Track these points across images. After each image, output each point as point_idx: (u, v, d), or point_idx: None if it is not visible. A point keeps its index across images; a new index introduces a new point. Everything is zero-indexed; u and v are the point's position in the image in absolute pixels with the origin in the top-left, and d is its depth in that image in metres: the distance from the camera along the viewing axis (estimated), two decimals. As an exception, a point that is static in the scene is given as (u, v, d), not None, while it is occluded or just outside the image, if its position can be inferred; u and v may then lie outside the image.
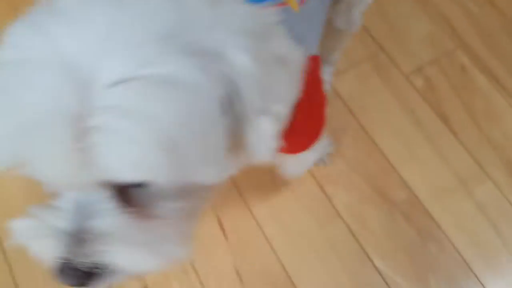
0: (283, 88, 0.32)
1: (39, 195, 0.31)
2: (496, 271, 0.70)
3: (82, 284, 0.31)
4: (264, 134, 0.31)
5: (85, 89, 0.25)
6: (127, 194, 0.30)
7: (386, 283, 0.70)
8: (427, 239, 0.72)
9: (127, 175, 0.26)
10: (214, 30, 0.28)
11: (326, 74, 0.80)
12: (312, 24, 0.46)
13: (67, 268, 0.30)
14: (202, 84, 0.27)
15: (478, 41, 0.87)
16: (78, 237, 0.29)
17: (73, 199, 0.30)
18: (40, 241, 0.30)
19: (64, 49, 0.26)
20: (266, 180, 0.75)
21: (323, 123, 0.48)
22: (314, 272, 0.70)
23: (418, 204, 0.75)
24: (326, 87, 0.81)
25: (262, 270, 0.70)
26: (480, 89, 0.83)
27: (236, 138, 0.30)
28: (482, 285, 0.69)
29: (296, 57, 0.33)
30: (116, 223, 0.29)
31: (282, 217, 0.74)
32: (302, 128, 0.42)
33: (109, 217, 0.29)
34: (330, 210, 0.74)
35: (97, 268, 0.30)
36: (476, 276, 0.70)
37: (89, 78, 0.25)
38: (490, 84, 0.83)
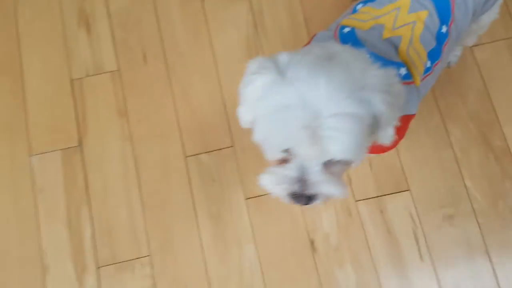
0: (394, 117, 0.61)
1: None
2: (549, 212, 0.99)
3: (307, 203, 0.62)
4: (388, 134, 0.62)
5: (318, 117, 0.53)
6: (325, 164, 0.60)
7: (469, 196, 1.01)
8: (506, 177, 1.02)
9: (338, 156, 0.56)
10: (366, 88, 0.56)
11: (458, 51, 1.06)
12: (419, 94, 0.73)
13: (298, 196, 0.61)
14: (365, 116, 0.55)
15: None
16: (301, 181, 0.60)
17: (298, 164, 0.60)
18: (280, 185, 0.62)
19: (305, 97, 0.54)
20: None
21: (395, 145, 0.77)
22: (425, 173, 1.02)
23: (509, 153, 1.03)
24: (454, 60, 1.07)
25: (387, 161, 1.03)
26: None
27: (372, 138, 0.61)
28: (536, 218, 0.99)
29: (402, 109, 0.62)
30: (320, 176, 0.60)
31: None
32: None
33: (317, 173, 0.60)
34: (444, 135, 1.04)
35: (313, 194, 0.61)
36: (534, 210, 0.99)
37: (319, 111, 0.53)
38: None
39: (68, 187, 1.07)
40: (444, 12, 0.74)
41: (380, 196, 1.02)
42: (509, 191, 1.01)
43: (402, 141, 1.01)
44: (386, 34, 0.72)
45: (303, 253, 1.00)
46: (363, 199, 1.02)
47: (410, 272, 0.98)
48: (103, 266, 1.02)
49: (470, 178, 1.02)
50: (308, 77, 0.55)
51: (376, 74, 0.57)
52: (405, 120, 0.74)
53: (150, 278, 1.01)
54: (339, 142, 0.55)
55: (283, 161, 0.62)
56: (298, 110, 0.54)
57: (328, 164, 0.60)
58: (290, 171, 0.61)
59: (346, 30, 0.73)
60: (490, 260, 0.97)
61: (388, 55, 0.69)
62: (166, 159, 1.07)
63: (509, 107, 1.06)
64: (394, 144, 0.79)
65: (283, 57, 0.59)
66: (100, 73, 1.14)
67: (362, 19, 0.74)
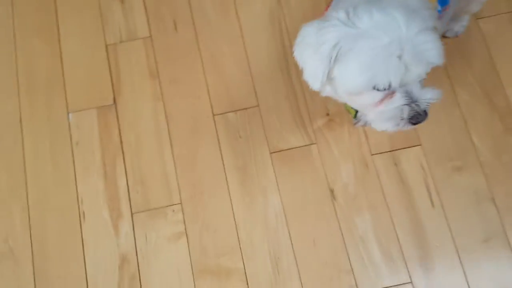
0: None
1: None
2: (548, 165, 1.09)
3: (425, 118, 0.71)
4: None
5: (407, 42, 0.63)
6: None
7: (476, 150, 1.10)
8: (509, 134, 1.11)
9: (438, 61, 0.65)
10: (420, 8, 0.67)
11: (464, 21, 1.16)
12: None
13: (418, 115, 0.70)
14: (434, 26, 0.66)
15: None
16: (413, 103, 0.69)
17: (402, 92, 0.69)
18: (396, 117, 0.71)
19: (388, 33, 0.63)
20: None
21: None
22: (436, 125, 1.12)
23: (511, 112, 1.13)
24: (461, 30, 1.17)
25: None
26: None
27: None
28: (537, 170, 1.08)
29: None
30: (423, 91, 0.69)
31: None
32: None
33: (421, 91, 0.69)
34: (452, 97, 1.14)
35: (427, 108, 0.70)
36: None
37: (406, 37, 0.63)
38: None
39: (103, 141, 1.15)
40: None
41: (394, 150, 1.11)
42: (511, 146, 1.11)
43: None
44: None
45: (324, 201, 1.08)
46: (379, 153, 1.11)
47: (423, 217, 1.07)
48: (137, 212, 1.10)
49: (477, 134, 1.12)
50: (380, 16, 0.65)
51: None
52: None
53: (181, 223, 1.09)
54: (436, 49, 0.65)
55: (382, 101, 0.71)
56: (389, 45, 0.63)
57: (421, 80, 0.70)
58: (399, 100, 0.70)
59: None
60: (496, 207, 1.06)
61: None
62: (196, 117, 1.16)
63: (511, 72, 1.16)
64: None
65: (340, 14, 0.68)
66: (133, 39, 1.23)
67: None
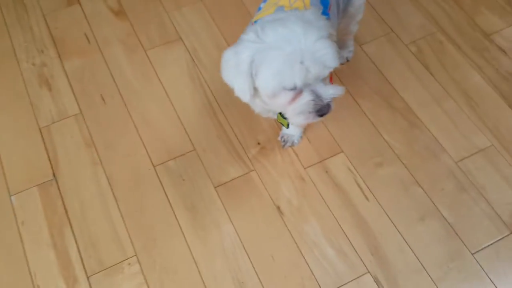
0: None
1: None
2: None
3: (329, 110, 0.86)
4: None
5: (307, 50, 0.80)
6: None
7: (390, 146, 1.26)
8: (413, 127, 1.30)
9: (333, 64, 0.83)
10: (314, 21, 0.85)
11: (351, 47, 1.40)
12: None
13: (323, 107, 0.85)
14: (328, 34, 0.85)
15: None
16: (319, 98, 0.84)
17: (309, 90, 0.84)
18: (306, 111, 0.85)
19: (290, 43, 0.79)
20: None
21: None
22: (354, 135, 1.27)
23: (410, 110, 1.33)
24: (350, 55, 1.41)
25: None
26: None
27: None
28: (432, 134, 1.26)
29: None
30: (326, 88, 0.85)
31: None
32: None
33: (324, 88, 0.85)
34: (357, 108, 1.32)
35: (330, 101, 0.86)
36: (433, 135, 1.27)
37: (306, 46, 0.80)
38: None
39: (48, 214, 1.17)
40: None
41: (322, 160, 1.24)
42: (418, 136, 1.28)
43: (330, 117, 1.28)
44: (286, 8, 1.02)
45: (273, 219, 1.16)
46: (310, 166, 1.24)
47: (362, 211, 1.17)
48: (93, 274, 1.09)
49: (386, 133, 1.29)
50: (283, 31, 0.81)
51: (312, 12, 0.87)
52: None
53: (140, 274, 1.10)
54: (330, 54, 0.81)
55: (293, 99, 0.85)
56: (292, 54, 0.79)
57: (322, 79, 0.85)
58: (306, 97, 0.84)
59: (256, 19, 1.02)
60: (422, 188, 1.20)
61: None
62: (137, 172, 1.23)
63: (400, 79, 1.38)
64: None
65: (250, 35, 0.84)
66: (65, 118, 1.32)
67: (267, 9, 1.04)
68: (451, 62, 1.42)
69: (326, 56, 0.82)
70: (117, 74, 1.40)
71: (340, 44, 1.34)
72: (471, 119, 1.31)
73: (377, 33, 1.48)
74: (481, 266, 1.10)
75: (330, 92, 0.86)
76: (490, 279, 1.08)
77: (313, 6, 0.99)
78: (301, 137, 1.27)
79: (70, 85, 1.38)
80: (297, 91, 0.85)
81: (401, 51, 1.44)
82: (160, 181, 1.22)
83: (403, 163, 1.24)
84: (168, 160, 1.25)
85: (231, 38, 1.47)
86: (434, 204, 1.18)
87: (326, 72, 0.84)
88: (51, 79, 1.40)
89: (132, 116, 1.32)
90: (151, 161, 1.25)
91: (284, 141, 1.26)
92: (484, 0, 1.54)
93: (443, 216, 1.16)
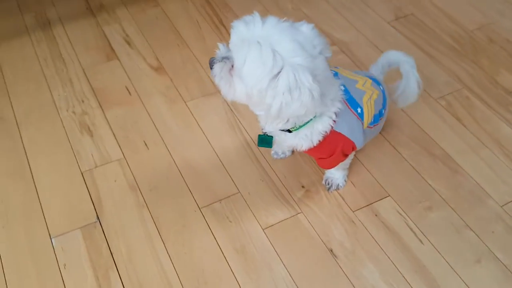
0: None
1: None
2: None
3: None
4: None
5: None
6: None
7: (435, 190, 1.30)
8: (456, 173, 1.34)
9: None
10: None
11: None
12: (365, 135, 1.15)
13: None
14: None
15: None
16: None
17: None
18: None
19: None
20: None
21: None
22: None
23: (449, 157, 1.38)
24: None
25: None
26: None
27: None
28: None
29: None
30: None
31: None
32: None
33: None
34: (397, 155, 1.38)
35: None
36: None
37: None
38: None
39: (93, 257, 1.14)
40: (384, 100, 1.20)
41: (370, 204, 1.26)
42: (462, 182, 1.33)
43: (371, 163, 1.32)
44: (359, 86, 1.13)
45: (327, 261, 1.15)
46: (358, 209, 1.25)
47: (418, 255, 1.17)
48: (142, 320, 1.04)
49: (430, 178, 1.33)
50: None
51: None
52: (348, 143, 1.10)
53: (192, 319, 1.05)
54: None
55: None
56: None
57: None
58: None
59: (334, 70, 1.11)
60: (473, 231, 1.22)
61: (356, 96, 1.10)
62: (183, 214, 1.23)
63: (435, 129, 1.46)
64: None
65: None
66: (108, 162, 1.33)
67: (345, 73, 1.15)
68: (480, 115, 1.51)
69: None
70: (158, 121, 1.45)
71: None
72: (509, 166, 1.36)
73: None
74: (546, 309, 1.08)
75: None
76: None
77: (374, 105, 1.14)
78: (346, 180, 1.30)
79: (112, 132, 1.42)
80: None
81: (432, 105, 1.53)
82: (207, 223, 1.21)
83: (451, 207, 1.26)
84: (214, 203, 1.25)
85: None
86: (487, 246, 1.19)
87: None
88: (92, 126, 1.43)
89: (175, 161, 1.35)
90: (197, 203, 1.25)
91: (328, 184, 1.28)
92: (502, 62, 1.68)
93: (498, 258, 1.16)
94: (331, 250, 1.17)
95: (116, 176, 1.30)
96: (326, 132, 1.05)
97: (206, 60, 1.65)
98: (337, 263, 1.15)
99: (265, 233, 1.20)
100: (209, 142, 1.40)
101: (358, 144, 1.14)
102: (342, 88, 1.07)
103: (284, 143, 1.14)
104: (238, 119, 1.47)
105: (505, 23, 1.82)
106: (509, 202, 1.28)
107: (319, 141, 1.06)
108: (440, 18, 1.84)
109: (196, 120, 1.46)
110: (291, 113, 0.91)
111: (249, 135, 1.42)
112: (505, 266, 1.15)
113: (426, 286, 1.11)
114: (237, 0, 1.92)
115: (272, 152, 1.36)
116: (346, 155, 1.16)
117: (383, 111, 1.20)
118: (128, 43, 1.72)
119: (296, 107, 0.88)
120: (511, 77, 1.63)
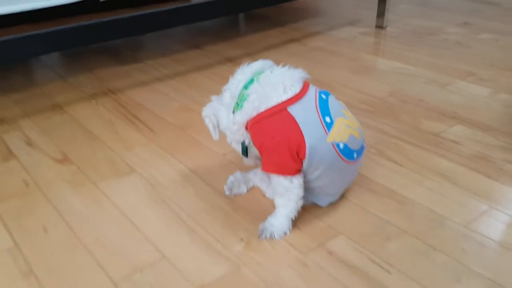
0: None
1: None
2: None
3: None
4: None
5: None
6: None
7: (390, 222, 1.18)
8: (405, 205, 1.25)
9: None
10: None
11: None
12: None
13: None
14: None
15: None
16: None
17: None
18: None
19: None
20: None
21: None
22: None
23: (393, 191, 1.30)
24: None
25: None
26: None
27: None
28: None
29: None
30: None
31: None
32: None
33: None
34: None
35: None
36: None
37: None
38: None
39: None
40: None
41: (322, 244, 1.11)
42: (414, 212, 1.23)
43: (315, 208, 1.22)
44: (344, 111, 1.14)
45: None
46: (310, 251, 1.09)
47: (389, 285, 0.99)
48: None
49: (380, 212, 1.22)
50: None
51: None
52: (297, 133, 1.04)
53: None
54: None
55: None
56: None
57: None
58: None
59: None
60: (442, 252, 1.08)
61: (332, 110, 1.10)
62: (92, 292, 0.98)
63: (367, 170, 1.41)
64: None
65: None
66: (-6, 253, 1.09)
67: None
68: (414, 155, 1.50)
69: None
70: (61, 206, 1.27)
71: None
72: (458, 191, 1.31)
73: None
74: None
75: None
76: None
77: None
78: (285, 233, 1.14)
79: (4, 223, 1.20)
80: None
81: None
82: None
83: (410, 234, 1.14)
84: (133, 274, 1.03)
85: (190, 161, 1.46)
86: (463, 264, 1.05)
87: None
88: (-22, 221, 1.21)
89: (81, 239, 1.14)
90: (110, 278, 1.02)
91: (261, 231, 1.13)
92: (422, 115, 1.76)
93: (479, 273, 1.02)
94: (288, 299, 0.96)
95: (5, 266, 1.06)
96: (276, 101, 1.04)
97: (120, 147, 1.56)
98: (297, 311, 0.93)
99: (200, 294, 0.97)
100: (125, 215, 1.22)
101: (309, 145, 1.03)
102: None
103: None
104: (161, 190, 1.32)
105: (414, 89, 1.97)
106: (472, 221, 1.19)
107: (267, 110, 1.04)
108: (353, 93, 1.95)
109: (108, 198, 1.30)
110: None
111: (174, 202, 1.27)
112: (489, 279, 1.00)
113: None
114: (150, 99, 1.93)
115: (227, 185, 1.28)
116: (293, 158, 1.04)
117: (354, 153, 1.14)
118: (30, 144, 1.60)
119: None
120: (435, 124, 1.69)
